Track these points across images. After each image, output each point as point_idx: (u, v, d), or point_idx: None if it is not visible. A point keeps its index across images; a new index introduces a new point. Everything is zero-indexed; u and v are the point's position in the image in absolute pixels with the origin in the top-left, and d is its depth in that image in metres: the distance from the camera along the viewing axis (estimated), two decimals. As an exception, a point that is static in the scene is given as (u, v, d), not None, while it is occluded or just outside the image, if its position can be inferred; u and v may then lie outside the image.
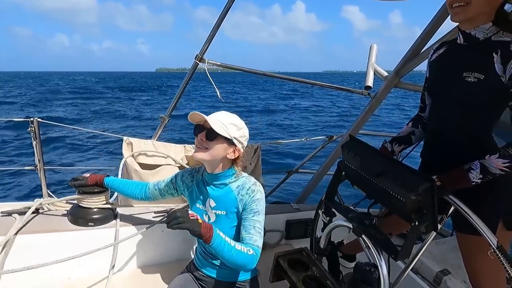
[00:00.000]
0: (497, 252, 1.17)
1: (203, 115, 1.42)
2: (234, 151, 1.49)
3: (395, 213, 1.35)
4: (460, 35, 1.40)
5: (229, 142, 1.46)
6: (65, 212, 2.01)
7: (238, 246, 1.38)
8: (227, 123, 1.44)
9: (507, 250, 1.38)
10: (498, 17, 1.30)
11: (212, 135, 1.42)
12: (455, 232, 1.60)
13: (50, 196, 2.42)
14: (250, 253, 1.39)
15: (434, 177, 1.30)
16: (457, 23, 1.39)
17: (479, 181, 1.24)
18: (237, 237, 1.54)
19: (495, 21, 1.30)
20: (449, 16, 1.44)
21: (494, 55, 1.25)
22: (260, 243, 1.45)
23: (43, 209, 2.03)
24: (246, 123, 1.53)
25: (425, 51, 2.24)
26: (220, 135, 1.42)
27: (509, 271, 1.16)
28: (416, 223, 1.17)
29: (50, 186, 2.49)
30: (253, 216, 1.47)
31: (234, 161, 1.55)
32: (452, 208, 1.30)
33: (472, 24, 1.33)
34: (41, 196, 2.31)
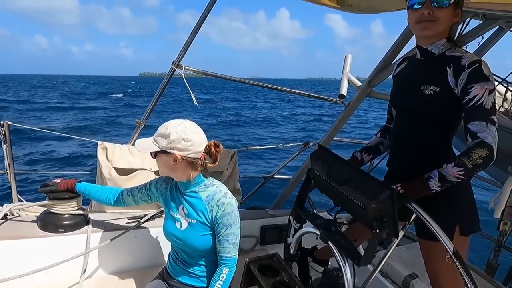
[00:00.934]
0: (453, 257, 1.24)
1: (136, 148, 1.54)
2: (174, 160, 1.46)
3: (358, 220, 1.41)
4: (418, 51, 1.48)
5: (166, 153, 1.46)
6: (35, 218, 1.97)
7: (218, 284, 1.52)
8: (156, 136, 1.48)
9: (464, 254, 1.46)
10: (450, 35, 1.40)
11: (152, 154, 1.52)
12: None
13: (20, 201, 2.36)
14: (227, 272, 1.52)
15: (398, 185, 1.36)
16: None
17: (438, 189, 1.31)
18: (208, 245, 1.56)
19: (448, 38, 1.40)
20: None
21: (448, 69, 1.34)
22: (234, 251, 1.54)
23: (12, 215, 1.99)
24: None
25: (395, 63, 2.33)
26: (157, 151, 1.48)
27: (464, 276, 1.23)
28: (378, 230, 1.22)
29: (21, 191, 2.43)
30: (225, 230, 1.51)
31: (195, 168, 1.51)
32: (414, 215, 1.36)
33: (430, 40, 1.41)
34: (11, 201, 2.25)
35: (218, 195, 1.53)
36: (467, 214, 1.48)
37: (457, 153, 1.39)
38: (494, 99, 1.29)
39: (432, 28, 1.35)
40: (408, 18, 1.45)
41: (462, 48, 1.40)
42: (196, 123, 1.53)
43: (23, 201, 2.35)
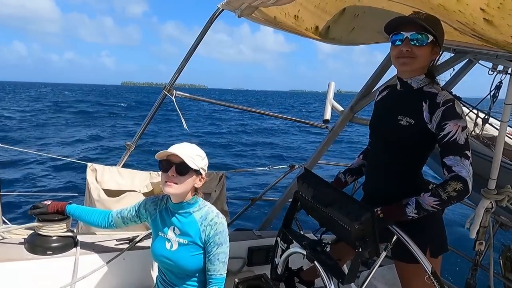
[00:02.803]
0: (432, 277, 1.33)
1: (178, 154, 1.48)
2: (200, 180, 1.59)
3: (342, 240, 1.49)
4: (398, 82, 1.60)
5: (197, 173, 1.55)
6: (22, 240, 1.95)
7: None
8: (194, 155, 1.53)
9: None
10: (429, 71, 1.53)
11: (184, 170, 1.50)
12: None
13: (5, 223, 2.33)
14: None
15: (378, 209, 1.45)
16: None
17: (415, 216, 1.40)
18: (198, 266, 1.60)
19: (427, 74, 1.52)
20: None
21: (424, 104, 1.45)
22: (224, 270, 1.59)
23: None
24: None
25: (376, 91, 2.49)
26: (191, 168, 1.51)
27: None
28: (360, 250, 1.30)
29: (6, 213, 2.40)
30: (217, 248, 1.57)
31: (196, 189, 1.62)
32: (395, 237, 1.45)
33: (409, 74, 1.52)
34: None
35: (210, 215, 1.60)
36: (436, 236, 1.57)
37: (430, 172, 1.51)
38: (467, 135, 1.40)
39: (411, 64, 1.46)
40: (390, 52, 1.55)
41: (438, 85, 1.52)
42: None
43: (8, 224, 2.33)
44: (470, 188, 1.35)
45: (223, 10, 2.19)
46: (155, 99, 2.42)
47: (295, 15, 1.93)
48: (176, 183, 1.51)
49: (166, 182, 1.52)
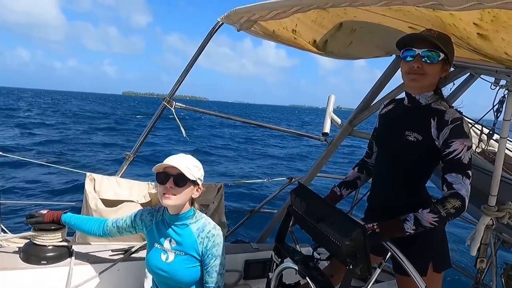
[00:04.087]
0: None
1: (175, 165, 1.49)
2: (197, 190, 1.60)
3: (334, 256, 1.47)
4: (406, 97, 1.60)
5: (194, 183, 1.57)
6: (17, 249, 1.97)
7: None
8: (190, 165, 1.54)
9: None
10: (437, 88, 1.54)
11: (182, 181, 1.51)
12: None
13: (3, 231, 2.35)
14: None
15: (375, 224, 1.44)
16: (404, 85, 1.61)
17: (412, 232, 1.39)
18: (194, 278, 1.59)
19: (435, 91, 1.53)
20: (395, 74, 1.65)
21: (432, 120, 1.46)
22: (221, 282, 1.61)
23: (-6, 246, 1.98)
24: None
25: (374, 105, 2.49)
26: (189, 179, 1.52)
27: None
28: (351, 266, 1.28)
29: (5, 221, 2.42)
30: (214, 260, 1.58)
31: (193, 200, 1.63)
32: (389, 254, 1.43)
33: (418, 90, 1.53)
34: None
35: (208, 227, 1.61)
36: (439, 252, 1.57)
37: (432, 186, 1.51)
38: (471, 155, 1.41)
39: (420, 81, 1.47)
40: (400, 68, 1.55)
41: (446, 102, 1.52)
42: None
43: (6, 232, 2.34)
44: (466, 206, 1.36)
45: (222, 23, 2.22)
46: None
47: (293, 29, 1.95)
48: (174, 195, 1.52)
49: (164, 194, 1.53)
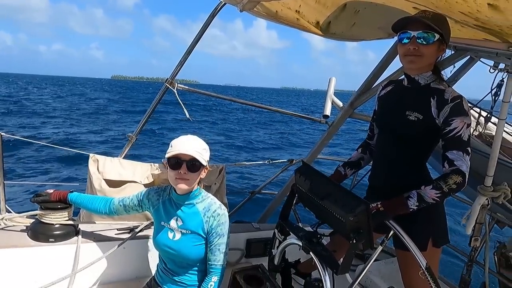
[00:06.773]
0: (426, 272, 1.36)
1: (188, 153, 1.51)
2: (204, 171, 1.64)
3: (337, 232, 1.52)
4: (406, 78, 1.63)
5: (204, 166, 1.60)
6: (25, 228, 2.00)
7: None
8: (201, 149, 1.57)
9: (436, 264, 1.59)
10: (436, 68, 1.56)
11: (195, 167, 1.55)
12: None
13: (8, 211, 2.38)
14: (216, 280, 1.61)
15: (379, 203, 1.48)
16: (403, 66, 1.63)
17: (415, 208, 1.45)
18: (200, 255, 1.64)
19: (434, 70, 1.56)
20: (397, 57, 1.67)
21: (431, 99, 1.50)
22: (224, 261, 1.64)
23: (2, 225, 2.01)
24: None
25: (375, 87, 2.51)
26: (202, 164, 1.56)
27: None
28: (354, 241, 1.33)
29: (9, 201, 2.44)
30: (218, 239, 1.62)
31: (200, 180, 1.66)
32: (391, 232, 1.48)
33: (416, 71, 1.56)
34: (-1, 211, 2.26)
35: (213, 206, 1.65)
36: (439, 228, 1.63)
37: (429, 167, 1.55)
38: (470, 132, 1.46)
39: (418, 62, 1.50)
40: (398, 50, 1.58)
41: (444, 82, 1.56)
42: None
43: (11, 212, 2.37)
44: (467, 182, 1.41)
45: (225, 4, 2.20)
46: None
47: (296, 10, 1.94)
48: (188, 179, 1.56)
49: (176, 178, 1.55)
